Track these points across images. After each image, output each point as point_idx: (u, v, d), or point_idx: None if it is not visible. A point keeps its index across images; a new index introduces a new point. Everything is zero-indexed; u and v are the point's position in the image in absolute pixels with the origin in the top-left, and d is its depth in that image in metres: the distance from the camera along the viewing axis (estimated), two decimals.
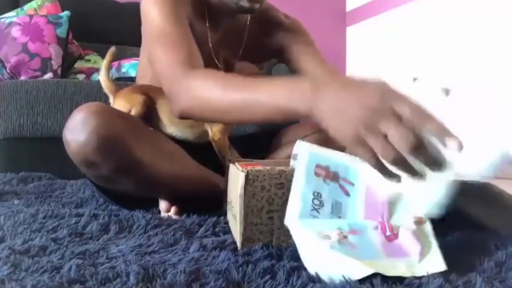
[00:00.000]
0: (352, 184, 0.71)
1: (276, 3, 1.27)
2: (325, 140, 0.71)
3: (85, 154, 0.86)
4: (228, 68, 1.09)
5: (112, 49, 1.19)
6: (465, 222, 0.81)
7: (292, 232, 0.66)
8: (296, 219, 0.66)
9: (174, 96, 0.87)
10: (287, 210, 0.68)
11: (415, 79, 1.28)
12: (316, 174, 0.69)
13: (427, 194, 0.61)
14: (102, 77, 1.18)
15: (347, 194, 0.70)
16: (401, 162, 0.57)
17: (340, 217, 0.68)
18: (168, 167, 0.94)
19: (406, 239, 0.64)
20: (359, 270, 0.57)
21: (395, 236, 0.65)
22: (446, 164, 0.58)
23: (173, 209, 0.97)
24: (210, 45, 1.10)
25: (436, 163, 0.58)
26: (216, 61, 1.10)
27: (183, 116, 0.87)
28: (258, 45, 1.18)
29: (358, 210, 0.69)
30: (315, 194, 0.68)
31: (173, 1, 0.97)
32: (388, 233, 0.66)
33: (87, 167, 0.90)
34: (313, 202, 0.68)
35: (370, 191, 0.70)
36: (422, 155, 0.57)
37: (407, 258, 0.61)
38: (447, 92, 0.67)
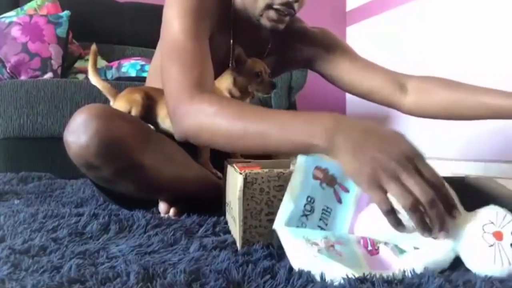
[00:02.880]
0: (347, 190, 0.70)
1: None
2: None
3: (86, 157, 0.86)
4: (240, 62, 1.09)
5: (93, 47, 1.18)
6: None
7: (280, 237, 0.66)
8: (284, 225, 0.66)
9: (179, 117, 0.84)
10: (279, 212, 0.68)
11: None
12: (314, 177, 0.69)
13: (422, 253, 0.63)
14: (94, 80, 1.18)
15: (339, 201, 0.70)
16: (417, 210, 0.57)
17: (326, 225, 0.69)
18: (169, 169, 0.94)
19: (386, 254, 0.65)
20: (347, 274, 0.58)
21: (376, 251, 0.66)
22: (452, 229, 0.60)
23: (172, 210, 0.97)
24: (231, 56, 1.10)
25: (445, 224, 0.59)
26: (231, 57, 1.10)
27: (185, 139, 0.85)
28: (281, 57, 1.18)
29: (345, 221, 0.70)
30: (309, 199, 0.68)
31: (196, 14, 0.93)
32: (369, 247, 0.66)
33: (88, 169, 0.90)
34: (305, 207, 0.68)
35: (362, 201, 0.70)
36: (437, 213, 0.58)
37: (389, 271, 0.62)
38: None
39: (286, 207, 0.67)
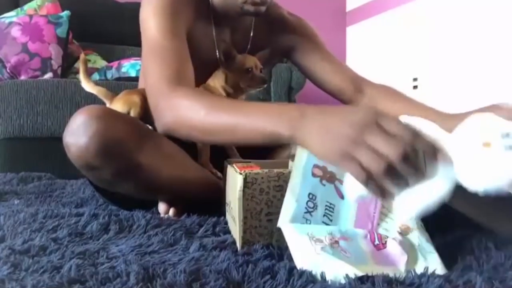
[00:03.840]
0: None
1: (276, 3, 1.27)
2: None
3: (86, 158, 0.85)
4: (229, 58, 1.09)
5: (82, 56, 1.20)
6: (464, 222, 0.81)
7: (284, 234, 0.66)
8: (289, 223, 0.67)
9: (159, 111, 0.86)
10: (282, 211, 0.68)
11: (415, 79, 1.27)
12: (313, 175, 0.69)
13: (415, 201, 0.60)
14: (88, 87, 1.18)
15: (342, 197, 0.70)
16: (391, 172, 0.56)
17: (331, 221, 0.69)
18: (169, 169, 0.94)
19: (394, 249, 0.65)
20: (349, 273, 0.58)
21: (383, 245, 0.66)
22: (436, 172, 0.58)
23: (171, 210, 0.97)
24: (216, 47, 1.10)
25: (426, 172, 0.58)
26: (218, 52, 1.10)
27: (167, 133, 0.87)
28: (264, 44, 1.18)
29: (349, 216, 0.70)
30: (310, 196, 0.68)
31: (172, 12, 0.96)
32: (376, 242, 0.66)
33: (88, 171, 0.90)
34: (307, 204, 0.68)
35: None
36: (412, 165, 0.57)
37: (394, 266, 0.62)
38: None
39: (289, 205, 0.67)
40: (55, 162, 1.70)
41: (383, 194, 0.59)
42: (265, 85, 1.12)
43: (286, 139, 0.66)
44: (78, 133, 0.85)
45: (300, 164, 0.69)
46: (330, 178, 0.70)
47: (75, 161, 0.88)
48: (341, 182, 0.70)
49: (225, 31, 1.12)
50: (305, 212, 0.67)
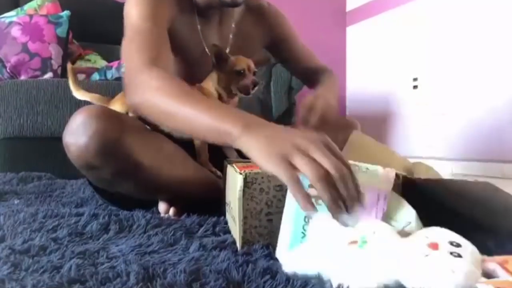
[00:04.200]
0: None
1: (276, 3, 1.27)
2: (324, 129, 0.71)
3: (85, 158, 0.86)
4: (221, 59, 1.09)
5: (69, 66, 1.21)
6: (465, 222, 0.81)
7: (282, 264, 0.64)
8: (286, 251, 0.65)
9: (132, 88, 0.87)
10: (279, 239, 0.67)
11: (415, 79, 1.27)
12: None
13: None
14: (79, 95, 1.19)
15: None
16: (328, 181, 0.57)
17: None
18: (169, 169, 0.94)
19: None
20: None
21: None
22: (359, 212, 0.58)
23: (171, 210, 0.97)
24: (202, 38, 1.11)
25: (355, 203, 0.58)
26: (209, 53, 1.10)
27: (135, 110, 0.89)
28: (247, 35, 1.20)
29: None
30: (306, 219, 0.66)
31: (154, 3, 0.98)
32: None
33: (88, 170, 0.90)
34: (303, 228, 0.66)
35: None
36: (349, 189, 0.58)
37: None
38: None
39: (286, 231, 0.66)
40: (55, 162, 1.70)
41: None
42: (256, 88, 1.12)
43: (233, 140, 0.67)
44: (77, 133, 0.85)
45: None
46: None
47: (74, 161, 0.88)
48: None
49: (209, 23, 1.14)
50: (302, 237, 0.65)
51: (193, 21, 1.11)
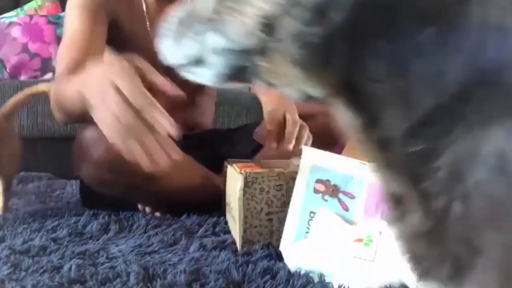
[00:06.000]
0: (353, 196, 0.68)
1: None
2: (326, 125, 0.70)
3: (99, 175, 0.85)
4: None
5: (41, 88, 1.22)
6: None
7: (285, 258, 0.65)
8: (291, 245, 0.65)
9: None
10: (284, 232, 0.67)
11: None
12: (316, 191, 0.67)
13: None
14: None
15: (346, 209, 0.68)
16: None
17: None
18: (178, 178, 0.93)
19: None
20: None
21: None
22: None
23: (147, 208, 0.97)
24: (149, 31, 1.10)
25: None
26: None
27: None
28: None
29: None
30: (312, 215, 0.66)
31: (94, 5, 1.01)
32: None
33: (101, 186, 0.89)
34: (308, 223, 0.66)
35: (368, 204, 0.69)
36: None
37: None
38: None
39: (292, 225, 0.66)
40: (55, 162, 1.70)
41: None
42: None
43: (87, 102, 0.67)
44: (88, 151, 0.85)
45: (303, 179, 0.67)
46: (333, 192, 0.67)
47: (88, 179, 0.88)
48: (345, 193, 0.68)
49: (159, 20, 1.13)
50: (307, 232, 0.66)
51: (142, 17, 1.10)
